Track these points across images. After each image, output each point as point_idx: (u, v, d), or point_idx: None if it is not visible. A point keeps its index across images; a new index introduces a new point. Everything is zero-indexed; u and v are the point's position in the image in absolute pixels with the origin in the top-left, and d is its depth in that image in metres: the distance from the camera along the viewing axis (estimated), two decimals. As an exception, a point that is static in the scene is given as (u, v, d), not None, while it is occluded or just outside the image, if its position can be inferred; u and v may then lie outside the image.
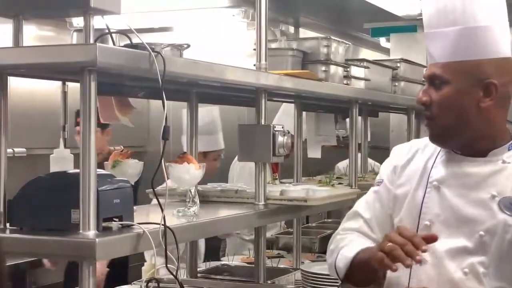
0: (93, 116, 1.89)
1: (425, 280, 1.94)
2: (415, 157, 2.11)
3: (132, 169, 2.42)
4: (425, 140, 2.12)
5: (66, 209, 1.94)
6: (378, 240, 2.04)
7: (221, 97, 3.14)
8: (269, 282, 2.86)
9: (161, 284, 2.47)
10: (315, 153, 4.09)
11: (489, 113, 1.97)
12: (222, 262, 3.49)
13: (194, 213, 2.39)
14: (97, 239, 1.85)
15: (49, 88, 5.30)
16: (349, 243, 2.07)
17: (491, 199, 1.93)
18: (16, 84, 4.84)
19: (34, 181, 2.02)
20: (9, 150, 4.73)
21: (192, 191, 2.44)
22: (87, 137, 1.89)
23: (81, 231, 1.90)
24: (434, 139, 2.03)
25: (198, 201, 2.44)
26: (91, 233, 1.89)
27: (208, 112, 4.19)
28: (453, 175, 1.99)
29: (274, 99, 3.48)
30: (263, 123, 2.73)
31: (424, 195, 2.01)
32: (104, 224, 1.97)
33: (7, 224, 2.03)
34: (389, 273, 1.99)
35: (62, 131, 2.49)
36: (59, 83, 2.43)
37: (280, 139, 2.72)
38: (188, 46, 2.40)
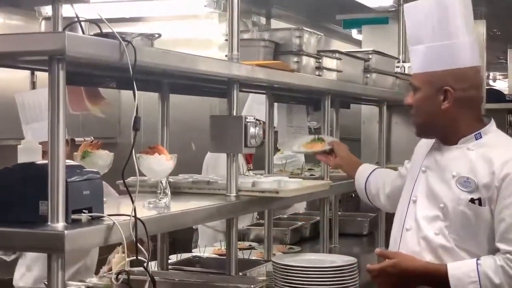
0: (62, 106, 1.86)
1: (409, 240, 2.48)
2: (421, 149, 2.63)
3: (102, 160, 2.39)
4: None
5: (34, 201, 1.91)
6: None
7: (193, 88, 3.11)
8: (240, 274, 2.84)
9: (131, 276, 2.44)
10: (286, 144, 4.08)
11: (451, 113, 2.46)
12: (194, 254, 3.47)
13: (165, 204, 2.37)
14: (66, 231, 1.82)
15: (17, 78, 5.24)
16: None
17: (452, 178, 2.43)
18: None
19: (1, 173, 1.98)
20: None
21: (163, 182, 2.41)
22: (56, 128, 1.86)
23: (49, 223, 1.87)
24: (416, 133, 2.58)
25: (169, 193, 2.42)
26: (60, 225, 1.86)
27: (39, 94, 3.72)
28: (434, 160, 2.53)
29: (246, 90, 3.46)
30: (235, 114, 2.71)
31: (417, 178, 2.56)
32: (73, 216, 1.94)
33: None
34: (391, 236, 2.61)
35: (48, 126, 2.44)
36: (28, 73, 2.39)
37: (251, 130, 2.70)
38: (159, 35, 2.37)
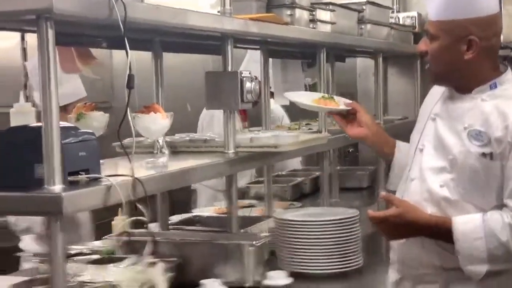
0: (53, 66, 1.82)
1: (412, 190, 2.39)
2: (431, 97, 2.52)
3: (97, 121, 2.36)
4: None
5: (29, 164, 1.87)
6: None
7: (186, 45, 3.07)
8: (242, 231, 2.83)
9: (132, 237, 2.43)
10: (282, 100, 4.04)
11: (474, 63, 2.32)
12: (194, 214, 3.45)
13: (163, 163, 2.34)
14: (63, 193, 1.79)
15: (8, 45, 5.17)
16: None
17: (463, 130, 2.31)
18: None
19: (-6, 137, 1.95)
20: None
21: (160, 141, 2.38)
22: (48, 89, 1.82)
23: (46, 186, 1.83)
24: (432, 80, 2.45)
25: (167, 152, 2.39)
26: (57, 187, 1.83)
27: None
28: (446, 109, 2.40)
29: (240, 45, 3.41)
30: (229, 69, 2.67)
31: (425, 126, 2.44)
32: (70, 178, 1.91)
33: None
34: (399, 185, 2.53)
35: (24, 88, 2.40)
36: (18, 39, 2.33)
37: (248, 85, 2.66)
38: (149, -9, 2.31)
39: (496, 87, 2.34)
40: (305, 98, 2.81)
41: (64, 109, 3.54)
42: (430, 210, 2.34)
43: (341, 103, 2.72)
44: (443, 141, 2.36)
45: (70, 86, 3.67)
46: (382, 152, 2.71)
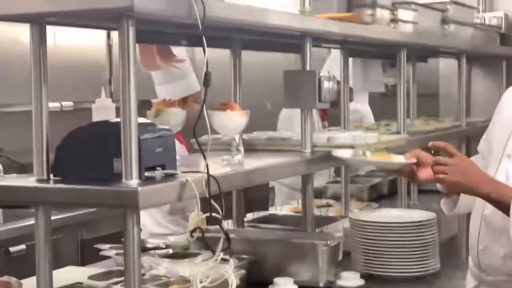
0: (132, 64, 1.85)
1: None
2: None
3: (175, 117, 2.38)
4: None
5: (108, 158, 1.92)
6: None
7: (265, 44, 3.08)
8: (317, 230, 2.82)
9: (207, 234, 2.45)
10: (362, 99, 4.02)
11: None
12: (270, 212, 3.46)
13: (239, 161, 2.36)
14: (139, 188, 1.82)
15: (95, 43, 5.30)
16: None
17: None
18: (64, 40, 4.89)
19: (76, 131, 2.00)
20: (57, 104, 4.81)
21: (236, 139, 2.40)
22: (127, 86, 1.86)
23: (123, 180, 1.87)
24: None
25: (242, 150, 2.40)
26: (134, 182, 1.86)
27: None
28: None
29: (320, 44, 3.40)
30: (308, 68, 2.66)
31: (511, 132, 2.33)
32: (147, 174, 1.94)
33: (51, 175, 2.02)
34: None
35: (108, 84, 2.46)
36: (105, 37, 2.38)
37: (325, 84, 2.66)
38: (228, -10, 2.33)
39: None
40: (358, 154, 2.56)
41: (183, 102, 3.69)
42: None
43: (397, 157, 2.49)
44: None
45: (186, 80, 3.83)
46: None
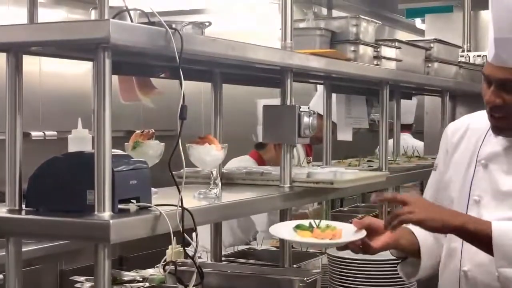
0: (108, 95, 1.84)
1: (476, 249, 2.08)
2: (466, 136, 2.29)
3: (152, 150, 2.37)
4: (476, 116, 2.32)
5: (81, 189, 1.90)
6: None
7: (246, 78, 3.08)
8: (294, 266, 2.80)
9: (183, 268, 2.42)
10: (345, 135, 4.01)
11: None
12: (249, 246, 3.44)
13: (216, 195, 2.34)
14: (111, 221, 1.81)
15: (81, 71, 5.30)
16: None
17: None
18: (48, 67, 4.88)
19: (50, 161, 1.99)
20: (40, 133, 4.79)
21: (214, 173, 2.38)
22: (102, 117, 1.85)
23: (96, 212, 1.85)
24: (503, 133, 2.17)
25: (219, 183, 2.39)
26: (106, 214, 1.84)
27: None
28: (500, 152, 2.17)
29: (302, 80, 3.41)
30: (288, 103, 2.66)
31: (474, 173, 2.19)
32: (121, 206, 1.93)
33: (23, 206, 2.00)
34: (445, 246, 2.26)
35: (93, 114, 2.44)
36: (91, 66, 2.37)
37: (305, 120, 2.65)
38: (210, 24, 2.33)
39: None
40: (292, 232, 2.25)
41: (278, 146, 3.40)
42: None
43: (345, 229, 2.22)
44: (506, 188, 2.12)
45: None
46: (410, 249, 2.29)
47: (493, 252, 2.01)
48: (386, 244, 2.18)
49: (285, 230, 2.26)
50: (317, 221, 2.27)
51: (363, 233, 2.16)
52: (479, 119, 2.27)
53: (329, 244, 2.32)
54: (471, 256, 2.17)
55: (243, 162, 3.77)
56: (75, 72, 5.29)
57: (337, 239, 2.18)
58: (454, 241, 2.22)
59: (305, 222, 2.27)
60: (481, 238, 2.03)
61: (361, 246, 2.18)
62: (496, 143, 2.19)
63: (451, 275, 2.23)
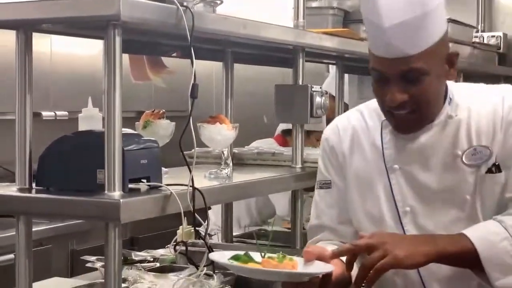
0: (118, 73, 1.82)
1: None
2: (356, 142, 1.98)
3: (163, 129, 2.35)
4: (348, 118, 2.04)
5: (91, 169, 1.89)
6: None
7: (257, 57, 3.05)
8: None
9: (193, 248, 2.41)
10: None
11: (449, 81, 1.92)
12: (260, 227, 3.42)
13: (227, 175, 2.33)
14: (121, 200, 1.79)
15: (93, 51, 5.27)
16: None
17: (456, 158, 1.86)
18: (59, 48, 4.86)
19: (60, 140, 1.97)
20: (51, 113, 4.78)
21: (225, 152, 2.37)
22: (112, 95, 1.83)
23: (106, 191, 1.84)
24: (413, 129, 1.89)
25: (231, 163, 2.38)
26: (116, 193, 1.83)
27: None
28: (410, 152, 1.89)
29: (314, 60, 3.37)
30: (300, 83, 2.64)
31: (390, 182, 1.90)
32: (131, 185, 1.91)
33: (33, 185, 1.99)
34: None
35: (104, 92, 2.42)
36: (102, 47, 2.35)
37: (317, 99, 2.63)
38: (221, 2, 2.30)
39: (452, 98, 1.92)
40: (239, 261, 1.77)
41: (307, 135, 3.23)
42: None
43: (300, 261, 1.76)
44: (437, 188, 1.87)
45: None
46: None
47: (482, 269, 1.78)
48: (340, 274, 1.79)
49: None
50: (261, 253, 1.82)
51: (330, 268, 1.74)
52: (356, 120, 2.00)
53: (292, 274, 1.73)
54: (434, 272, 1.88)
55: (267, 145, 3.73)
56: (87, 53, 5.27)
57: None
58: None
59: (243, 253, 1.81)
60: (466, 256, 1.78)
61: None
62: (402, 141, 1.91)
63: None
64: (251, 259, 1.77)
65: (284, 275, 1.73)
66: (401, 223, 1.88)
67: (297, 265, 1.73)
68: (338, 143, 2.02)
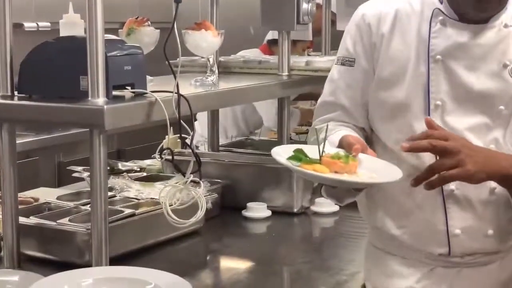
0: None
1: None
2: (398, 25, 1.80)
3: (148, 37, 2.30)
4: (391, 1, 1.82)
5: (74, 75, 1.86)
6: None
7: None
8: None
9: (180, 157, 2.40)
10: (345, 25, 3.92)
11: None
12: (246, 137, 3.42)
13: (213, 82, 2.30)
14: (105, 106, 1.77)
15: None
16: (330, 132, 1.74)
17: (504, 69, 1.75)
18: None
19: (41, 46, 1.93)
20: (33, 24, 4.68)
21: (211, 60, 2.33)
22: (93, 1, 1.78)
23: (90, 98, 1.81)
24: (486, 8, 1.74)
25: (216, 71, 2.34)
26: (100, 100, 1.81)
27: None
28: (459, 46, 1.76)
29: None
30: (286, -11, 2.58)
31: (428, 71, 1.76)
32: (115, 92, 1.89)
33: (15, 93, 1.95)
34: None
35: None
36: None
37: (304, 6, 2.58)
38: None
39: (507, 8, 1.77)
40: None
41: (293, 44, 3.13)
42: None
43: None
44: (475, 90, 1.76)
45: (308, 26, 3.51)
46: None
47: None
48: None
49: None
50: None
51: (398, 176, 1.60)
52: (401, 3, 1.81)
53: (350, 183, 1.58)
54: None
55: (252, 54, 3.67)
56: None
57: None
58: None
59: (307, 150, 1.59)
60: None
61: None
62: (453, 34, 1.77)
63: (429, 199, 1.79)
64: (311, 160, 1.55)
65: (364, 184, 1.59)
66: (429, 115, 1.74)
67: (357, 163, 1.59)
68: (377, 21, 1.80)
